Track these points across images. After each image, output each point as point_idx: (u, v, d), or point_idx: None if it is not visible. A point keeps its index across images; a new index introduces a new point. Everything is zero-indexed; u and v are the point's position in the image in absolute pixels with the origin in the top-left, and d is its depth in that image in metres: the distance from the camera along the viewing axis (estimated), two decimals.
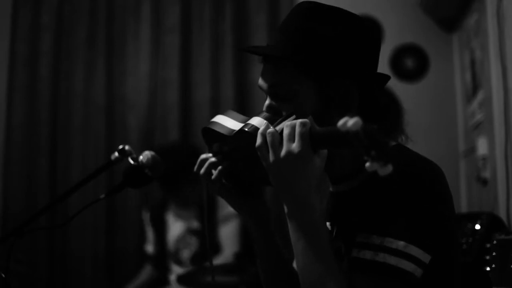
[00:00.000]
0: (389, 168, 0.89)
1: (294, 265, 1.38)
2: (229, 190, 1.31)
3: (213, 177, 1.28)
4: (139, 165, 1.44)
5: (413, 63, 3.59)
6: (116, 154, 1.48)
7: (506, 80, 2.37)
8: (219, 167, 1.28)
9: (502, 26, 2.38)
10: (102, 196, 1.45)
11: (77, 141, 3.68)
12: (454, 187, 3.41)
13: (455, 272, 1.17)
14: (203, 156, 1.30)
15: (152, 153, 1.46)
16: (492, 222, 2.07)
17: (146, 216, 3.21)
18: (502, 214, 2.35)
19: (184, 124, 3.63)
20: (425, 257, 1.08)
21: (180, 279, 2.92)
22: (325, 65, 1.17)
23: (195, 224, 3.04)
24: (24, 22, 3.75)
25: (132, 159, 1.46)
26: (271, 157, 1.09)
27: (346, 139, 0.93)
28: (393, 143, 1.24)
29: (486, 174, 2.74)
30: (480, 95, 2.86)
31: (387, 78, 1.26)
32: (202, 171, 1.29)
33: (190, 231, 3.04)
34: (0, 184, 3.69)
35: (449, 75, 3.54)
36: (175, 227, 3.09)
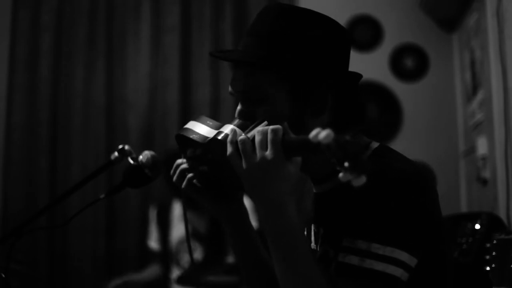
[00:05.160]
0: (363, 179, 0.88)
1: None
2: (204, 194, 1.30)
3: (184, 183, 1.27)
4: (139, 165, 1.44)
5: (413, 63, 3.59)
6: (116, 154, 1.48)
7: (506, 80, 2.37)
8: (191, 174, 1.27)
9: (502, 26, 2.38)
10: (102, 196, 1.45)
11: (77, 141, 3.68)
12: (454, 187, 3.42)
13: (448, 274, 1.16)
14: (178, 161, 1.30)
15: (152, 153, 1.45)
16: (492, 222, 2.06)
17: (153, 212, 3.21)
18: (502, 214, 2.35)
19: (184, 124, 3.61)
20: (412, 261, 1.07)
21: (180, 279, 2.92)
22: (298, 69, 1.15)
23: (201, 229, 3.03)
24: (24, 22, 3.75)
25: (132, 159, 1.46)
26: (244, 165, 1.07)
27: (318, 151, 0.92)
28: (376, 144, 1.22)
29: (486, 174, 2.74)
30: (480, 95, 2.86)
31: (359, 76, 1.24)
32: (175, 177, 1.29)
33: (194, 235, 3.02)
34: (0, 184, 3.69)
35: (449, 75, 3.54)
36: (178, 228, 3.08)
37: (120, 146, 1.48)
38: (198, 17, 3.72)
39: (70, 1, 3.77)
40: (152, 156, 1.45)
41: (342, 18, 3.54)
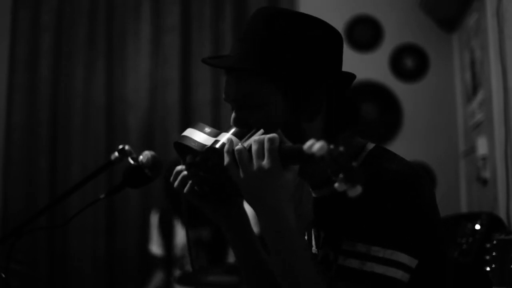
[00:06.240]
0: (358, 190, 0.89)
1: None
2: (204, 200, 1.30)
3: (185, 189, 1.28)
4: (139, 165, 1.44)
5: (413, 63, 3.59)
6: (116, 154, 1.48)
7: (506, 80, 2.37)
8: (190, 181, 1.28)
9: (502, 26, 2.38)
10: (102, 196, 1.45)
11: (77, 141, 3.68)
12: (454, 187, 3.42)
13: (447, 273, 1.17)
14: (178, 168, 1.30)
15: (152, 153, 1.45)
16: (492, 222, 2.06)
17: (154, 218, 3.19)
18: (502, 214, 2.36)
19: (184, 124, 3.63)
20: (412, 262, 1.08)
21: (180, 279, 2.92)
22: (292, 73, 1.15)
23: (204, 237, 3.02)
24: (24, 22, 3.75)
25: (132, 159, 1.46)
26: (242, 174, 1.08)
27: (312, 162, 0.93)
28: (372, 146, 1.22)
29: (486, 174, 2.74)
30: (480, 95, 2.86)
31: (353, 77, 1.24)
32: (176, 183, 1.29)
33: (198, 242, 3.01)
34: (0, 184, 3.69)
35: (449, 75, 3.54)
36: (182, 234, 3.06)
37: (120, 146, 1.48)
38: (198, 17, 3.72)
39: (70, 1, 3.77)
40: (152, 156, 1.45)
41: (342, 18, 3.55)
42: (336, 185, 0.89)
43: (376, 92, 3.56)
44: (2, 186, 3.68)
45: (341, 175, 0.89)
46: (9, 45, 3.75)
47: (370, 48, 3.60)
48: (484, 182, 2.79)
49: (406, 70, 3.59)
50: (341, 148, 0.90)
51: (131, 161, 1.45)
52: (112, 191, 1.46)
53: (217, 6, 3.70)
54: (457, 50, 3.47)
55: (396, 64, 3.59)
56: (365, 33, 3.60)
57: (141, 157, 1.45)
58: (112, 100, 3.71)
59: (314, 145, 0.92)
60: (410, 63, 3.59)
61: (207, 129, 1.23)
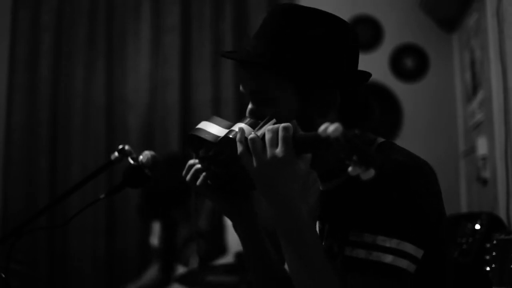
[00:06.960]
0: (372, 173, 0.89)
1: (286, 266, 1.38)
2: (216, 194, 1.32)
3: (197, 182, 1.29)
4: (139, 165, 1.44)
5: (413, 63, 3.59)
6: (116, 154, 1.48)
7: (506, 80, 2.37)
8: (204, 173, 1.29)
9: (501, 26, 2.38)
10: (102, 196, 1.46)
11: (77, 141, 3.68)
12: (454, 187, 3.42)
13: (447, 268, 1.17)
14: (190, 161, 1.32)
15: (152, 153, 1.46)
16: (492, 222, 2.06)
17: (155, 211, 3.20)
18: (502, 214, 2.35)
19: (184, 124, 3.63)
20: (418, 252, 1.09)
21: (180, 279, 2.92)
22: (305, 69, 1.16)
23: (203, 226, 3.03)
24: (24, 22, 3.75)
25: (132, 159, 1.46)
26: (255, 163, 1.08)
27: (327, 145, 0.93)
28: (381, 140, 1.24)
29: (486, 174, 2.74)
30: (480, 95, 2.86)
31: (368, 75, 1.25)
32: (188, 177, 1.31)
33: (198, 233, 3.02)
34: (0, 184, 3.69)
35: (449, 75, 3.54)
36: (183, 227, 3.08)
37: (120, 146, 1.49)
38: (198, 17, 3.72)
39: (70, 1, 3.77)
40: (152, 156, 1.45)
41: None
42: (349, 169, 0.89)
43: (376, 92, 3.56)
44: (2, 186, 3.68)
45: (355, 157, 0.88)
46: (9, 45, 3.75)
47: (370, 48, 3.60)
48: (484, 182, 2.79)
49: (406, 70, 3.59)
50: (356, 131, 0.91)
51: (131, 161, 1.46)
52: (112, 191, 1.46)
53: (217, 6, 3.70)
54: (457, 50, 3.47)
55: (396, 64, 3.60)
56: (365, 33, 3.60)
57: (141, 157, 1.45)
58: (112, 100, 3.71)
59: (329, 127, 0.92)
60: (410, 63, 3.59)
61: (221, 121, 1.24)
